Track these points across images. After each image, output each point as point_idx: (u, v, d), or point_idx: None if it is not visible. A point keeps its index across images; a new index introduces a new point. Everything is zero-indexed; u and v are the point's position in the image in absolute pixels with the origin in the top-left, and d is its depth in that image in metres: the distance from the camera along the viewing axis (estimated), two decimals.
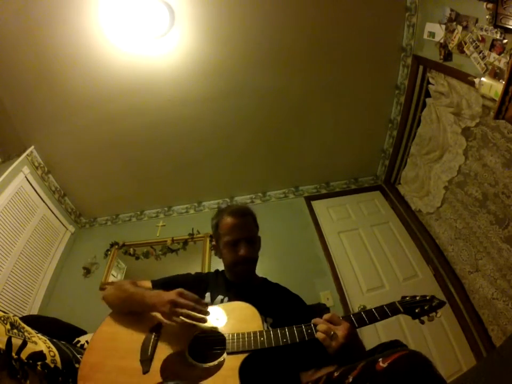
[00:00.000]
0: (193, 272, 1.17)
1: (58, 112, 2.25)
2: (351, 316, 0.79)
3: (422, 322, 0.79)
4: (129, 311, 0.92)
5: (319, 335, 0.74)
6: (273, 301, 1.02)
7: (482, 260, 1.78)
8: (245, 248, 1.03)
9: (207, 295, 1.02)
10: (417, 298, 0.81)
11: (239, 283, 1.07)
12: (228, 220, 1.07)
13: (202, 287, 1.05)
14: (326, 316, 0.79)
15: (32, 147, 2.43)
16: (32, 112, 2.25)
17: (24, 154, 2.34)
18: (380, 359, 0.56)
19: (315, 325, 0.78)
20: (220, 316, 0.88)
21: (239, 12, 1.89)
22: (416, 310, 0.78)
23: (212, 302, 0.99)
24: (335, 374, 0.63)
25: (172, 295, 0.84)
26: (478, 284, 1.81)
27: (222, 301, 0.99)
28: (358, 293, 2.16)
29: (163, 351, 0.81)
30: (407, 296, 0.83)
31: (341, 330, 0.73)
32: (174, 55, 2.01)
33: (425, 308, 0.78)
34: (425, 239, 2.32)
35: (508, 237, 1.61)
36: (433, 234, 2.26)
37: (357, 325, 0.77)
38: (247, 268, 1.06)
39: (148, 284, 1.03)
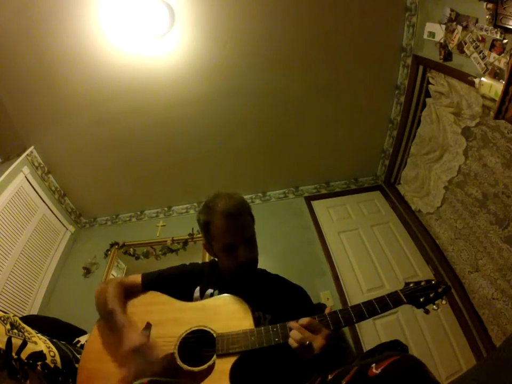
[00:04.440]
0: (188, 263, 1.11)
1: (58, 112, 2.25)
2: (338, 313, 0.73)
3: (427, 312, 0.73)
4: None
5: (291, 343, 0.68)
6: (272, 295, 0.95)
7: (482, 260, 1.78)
8: (244, 252, 0.90)
9: (197, 290, 0.96)
10: (422, 283, 0.76)
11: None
12: (222, 222, 0.91)
13: (193, 282, 0.99)
14: (303, 321, 0.71)
15: (32, 147, 2.42)
16: (32, 112, 2.24)
17: (24, 154, 2.34)
18: (373, 365, 0.53)
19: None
20: (208, 312, 0.84)
21: (239, 12, 1.89)
22: (421, 299, 0.73)
23: (202, 297, 0.94)
24: (329, 377, 0.61)
25: (133, 348, 0.76)
26: (478, 283, 1.81)
27: (211, 295, 0.93)
28: (358, 293, 2.16)
29: None
30: (411, 283, 0.77)
31: (318, 341, 0.67)
32: (174, 55, 2.01)
33: (431, 295, 0.73)
34: (425, 239, 2.31)
35: (508, 237, 1.61)
36: (433, 234, 2.26)
37: (344, 324, 0.72)
38: (249, 270, 0.95)
39: (138, 278, 1.00)
